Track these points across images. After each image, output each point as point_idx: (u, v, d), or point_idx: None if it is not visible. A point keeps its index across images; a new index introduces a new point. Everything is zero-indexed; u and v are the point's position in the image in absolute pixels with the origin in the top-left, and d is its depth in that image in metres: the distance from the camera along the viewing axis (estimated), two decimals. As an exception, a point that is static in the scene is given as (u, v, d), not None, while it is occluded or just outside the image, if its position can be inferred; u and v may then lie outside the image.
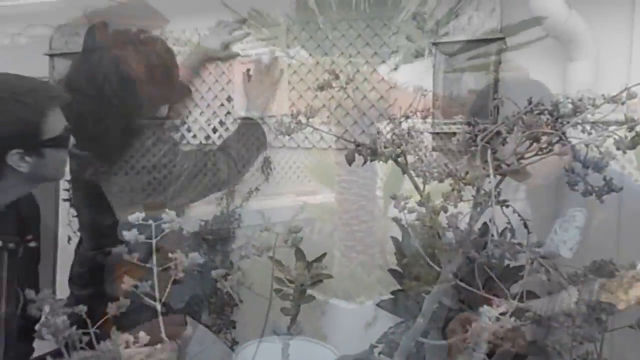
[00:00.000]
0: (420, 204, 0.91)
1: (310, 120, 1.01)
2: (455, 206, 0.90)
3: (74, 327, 0.79)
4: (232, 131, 1.79)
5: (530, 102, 0.83)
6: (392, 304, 1.52)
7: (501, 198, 0.91)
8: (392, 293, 1.53)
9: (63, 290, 1.73)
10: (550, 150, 0.78)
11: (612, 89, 0.78)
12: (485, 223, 1.02)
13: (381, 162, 0.94)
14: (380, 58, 1.62)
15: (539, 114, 0.81)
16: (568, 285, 0.87)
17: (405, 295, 1.51)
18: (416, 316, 1.13)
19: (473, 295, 1.10)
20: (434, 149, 1.38)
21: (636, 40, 1.34)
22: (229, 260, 1.85)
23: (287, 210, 1.77)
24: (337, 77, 0.98)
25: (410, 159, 0.94)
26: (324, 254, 1.63)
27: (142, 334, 0.87)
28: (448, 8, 1.46)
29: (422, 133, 0.96)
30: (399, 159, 0.93)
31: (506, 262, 1.19)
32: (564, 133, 0.77)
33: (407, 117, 0.93)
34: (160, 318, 0.99)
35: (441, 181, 0.93)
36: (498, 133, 0.85)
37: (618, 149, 0.75)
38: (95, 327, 0.84)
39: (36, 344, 1.30)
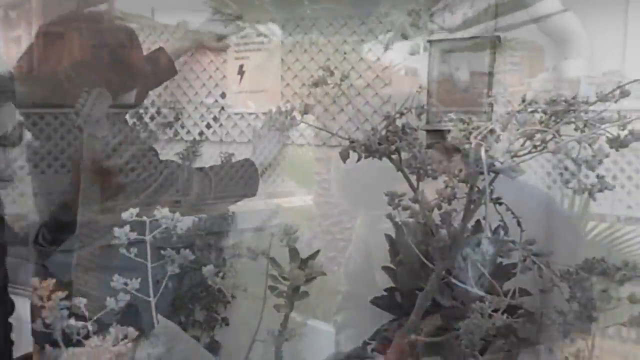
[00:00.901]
0: (414, 200, 0.91)
1: (304, 117, 1.00)
2: (449, 204, 0.91)
3: (72, 318, 0.79)
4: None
5: (524, 100, 0.83)
6: (386, 301, 1.52)
7: (494, 196, 0.91)
8: (386, 290, 1.53)
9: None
10: (544, 148, 0.78)
11: (605, 88, 0.79)
12: (478, 220, 1.03)
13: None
14: (375, 55, 1.62)
15: (532, 111, 0.81)
16: (560, 283, 0.88)
17: (399, 292, 1.51)
18: (409, 313, 1.13)
19: (466, 292, 1.10)
20: (428, 146, 1.38)
21: (630, 39, 1.34)
22: (222, 257, 1.84)
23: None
24: (331, 74, 0.98)
25: (405, 155, 0.94)
26: (318, 251, 1.63)
27: (131, 329, 0.86)
28: (443, 5, 1.46)
29: (416, 130, 0.96)
30: (393, 156, 0.93)
31: (499, 259, 1.19)
32: (557, 131, 0.78)
33: (402, 114, 0.93)
34: (154, 314, 0.98)
35: (435, 178, 0.93)
36: (492, 131, 0.85)
37: (611, 147, 0.75)
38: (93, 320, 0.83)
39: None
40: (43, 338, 1.18)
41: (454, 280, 1.05)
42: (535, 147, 0.80)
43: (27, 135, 1.18)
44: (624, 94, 0.78)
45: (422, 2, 1.48)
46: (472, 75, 1.41)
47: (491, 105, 1.31)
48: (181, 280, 1.83)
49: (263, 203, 1.78)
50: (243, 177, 1.63)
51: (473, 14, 1.41)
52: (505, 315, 0.85)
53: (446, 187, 0.89)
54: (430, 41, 1.47)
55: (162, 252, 0.93)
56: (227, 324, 1.85)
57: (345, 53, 1.65)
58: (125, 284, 0.86)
